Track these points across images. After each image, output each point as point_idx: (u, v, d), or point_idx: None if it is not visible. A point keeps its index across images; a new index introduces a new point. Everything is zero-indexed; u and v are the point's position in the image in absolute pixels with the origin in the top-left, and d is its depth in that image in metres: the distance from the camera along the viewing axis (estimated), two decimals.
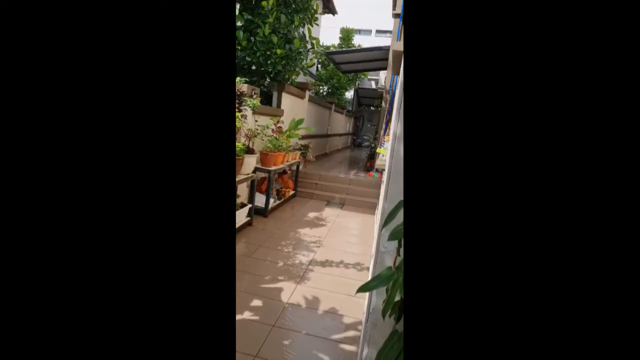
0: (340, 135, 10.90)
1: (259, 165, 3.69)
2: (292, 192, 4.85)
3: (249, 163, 3.27)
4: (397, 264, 1.06)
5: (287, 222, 3.81)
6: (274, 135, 3.87)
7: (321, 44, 5.26)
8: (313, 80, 9.69)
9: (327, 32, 12.24)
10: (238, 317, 1.91)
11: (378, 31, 20.13)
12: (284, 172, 4.73)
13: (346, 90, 11.58)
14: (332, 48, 10.67)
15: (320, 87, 10.87)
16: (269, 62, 4.16)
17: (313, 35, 4.70)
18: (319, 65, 10.62)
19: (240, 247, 2.96)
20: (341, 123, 10.76)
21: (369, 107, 15.09)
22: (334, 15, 9.72)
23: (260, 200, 3.84)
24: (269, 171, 3.72)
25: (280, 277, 2.44)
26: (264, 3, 3.90)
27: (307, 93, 5.95)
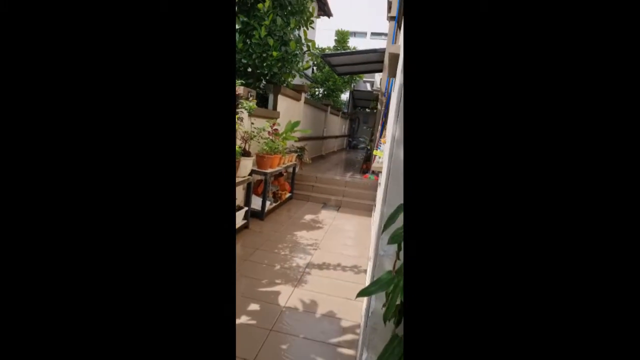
0: (336, 137, 10.91)
1: (255, 168, 3.67)
2: (288, 195, 4.83)
3: (245, 166, 3.26)
4: (397, 267, 1.05)
5: (283, 224, 3.79)
6: (270, 137, 3.86)
7: (317, 46, 5.25)
8: (309, 83, 9.70)
9: (322, 34, 12.27)
10: (236, 321, 1.90)
11: (373, 33, 20.24)
12: (281, 174, 4.71)
13: (342, 92, 11.62)
14: (327, 50, 10.71)
15: (316, 89, 10.89)
16: (264, 64, 4.15)
17: (308, 37, 4.71)
18: (315, 68, 10.65)
19: (237, 250, 2.94)
20: (337, 125, 10.78)
21: (364, 109, 15.14)
22: (329, 17, 9.76)
23: (256, 203, 3.83)
24: (265, 174, 3.71)
25: (277, 281, 2.43)
26: (259, 5, 3.90)
27: (303, 95, 5.95)
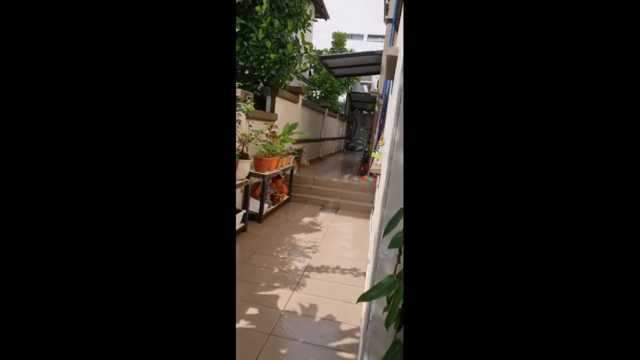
0: (334, 139, 10.92)
1: (253, 171, 3.66)
2: (286, 197, 4.82)
3: (243, 168, 3.24)
4: (397, 272, 1.05)
5: (281, 227, 3.78)
6: (268, 140, 3.85)
7: (314, 48, 5.27)
8: (306, 85, 9.71)
9: (319, 36, 12.31)
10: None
11: (370, 36, 20.32)
12: (278, 177, 4.70)
13: (339, 94, 11.64)
14: (324, 52, 10.73)
15: (313, 91, 10.90)
16: (262, 66, 4.15)
17: (305, 40, 4.71)
18: (312, 70, 10.66)
19: (235, 253, 2.92)
20: (334, 127, 10.79)
21: (361, 111, 15.17)
22: (326, 20, 9.78)
23: (254, 205, 3.81)
24: (263, 176, 3.70)
25: (276, 284, 2.41)
26: (257, 8, 3.89)
27: (301, 97, 5.95)
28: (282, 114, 4.94)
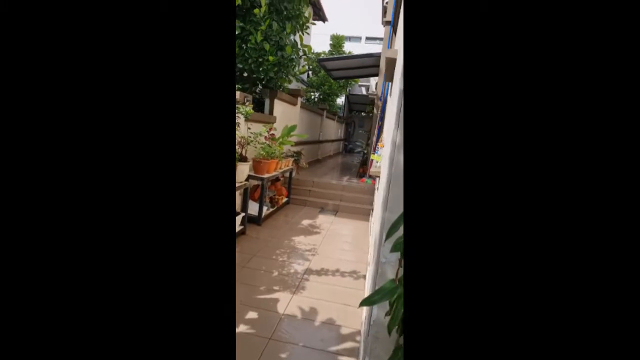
0: (332, 141, 10.93)
1: (252, 173, 3.65)
2: (285, 200, 4.81)
3: (242, 171, 3.23)
4: (399, 276, 1.04)
5: (281, 230, 3.77)
6: (267, 142, 3.84)
7: (312, 50, 5.27)
8: (305, 87, 9.72)
9: (317, 39, 12.32)
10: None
11: (368, 38, 20.39)
12: (277, 179, 4.69)
13: (337, 96, 11.65)
14: (322, 55, 10.75)
15: (312, 93, 10.91)
16: (261, 69, 4.14)
17: (304, 42, 4.71)
18: (310, 72, 10.67)
19: (235, 256, 2.90)
20: (333, 129, 10.80)
21: (360, 113, 15.19)
22: (324, 22, 9.81)
23: (253, 208, 3.80)
24: (262, 179, 3.69)
25: (275, 287, 2.39)
26: (255, 11, 3.89)
27: (299, 99, 5.95)
28: (280, 116, 4.93)
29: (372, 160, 4.11)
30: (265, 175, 3.72)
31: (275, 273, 2.64)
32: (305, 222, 4.19)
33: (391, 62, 2.39)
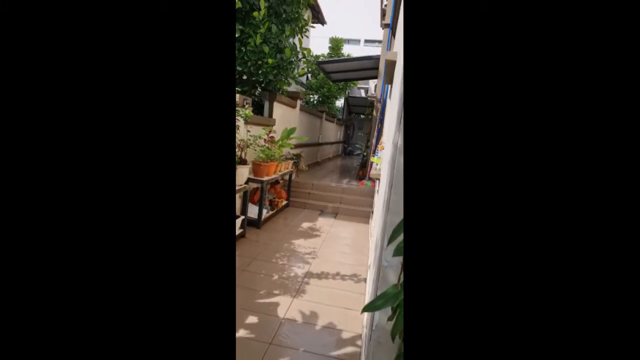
0: (332, 143, 10.93)
1: (252, 176, 3.64)
2: (285, 202, 4.79)
3: (242, 174, 3.22)
4: (402, 280, 1.02)
5: (280, 233, 3.75)
6: (267, 145, 3.83)
7: (311, 53, 5.27)
8: (304, 90, 9.73)
9: (316, 42, 12.35)
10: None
11: (367, 41, 20.46)
12: (277, 182, 4.68)
13: (336, 98, 11.67)
14: (321, 57, 10.78)
15: (311, 95, 10.92)
16: (260, 71, 4.14)
17: (303, 45, 4.71)
18: (309, 75, 10.69)
19: (235, 260, 2.88)
20: (332, 131, 10.80)
21: (359, 115, 15.21)
22: (323, 25, 9.84)
23: (253, 211, 3.78)
24: (261, 182, 3.67)
25: (275, 291, 2.38)
26: (255, 14, 3.90)
27: (299, 102, 5.95)
28: (280, 119, 4.93)
29: (372, 162, 4.10)
30: (265, 178, 3.70)
31: (276, 276, 2.62)
32: (305, 224, 4.17)
33: (391, 64, 2.39)
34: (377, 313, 1.16)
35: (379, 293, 1.10)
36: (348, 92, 12.32)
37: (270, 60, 4.01)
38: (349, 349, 1.82)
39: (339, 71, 7.48)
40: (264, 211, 3.94)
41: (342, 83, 10.83)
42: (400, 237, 0.87)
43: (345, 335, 1.95)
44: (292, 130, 4.33)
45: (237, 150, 3.35)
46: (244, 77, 4.30)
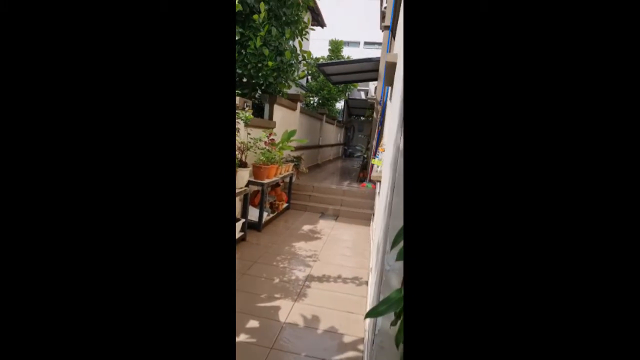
0: (332, 145, 10.93)
1: (252, 179, 3.63)
2: (285, 205, 4.78)
3: (242, 177, 3.21)
4: None
5: (281, 236, 3.73)
6: (267, 147, 3.82)
7: (311, 56, 5.27)
8: (304, 92, 9.75)
9: (316, 44, 12.38)
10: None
11: (366, 43, 20.51)
12: (277, 184, 4.67)
13: (336, 101, 11.68)
14: (321, 60, 10.79)
15: (311, 98, 10.94)
16: (260, 74, 4.14)
17: (303, 47, 4.72)
18: (309, 77, 10.71)
19: (235, 263, 2.86)
20: (332, 134, 10.80)
21: (359, 117, 15.22)
22: (322, 27, 9.86)
23: (253, 214, 3.77)
24: (262, 184, 3.66)
25: (276, 295, 2.36)
26: (255, 16, 3.90)
27: (299, 104, 5.94)
28: (280, 121, 4.92)
29: (372, 164, 4.09)
30: (265, 181, 3.69)
31: (276, 280, 2.60)
32: (306, 227, 4.16)
33: (391, 66, 2.38)
34: (379, 318, 1.15)
35: (381, 297, 1.09)
36: (348, 94, 12.33)
37: (270, 63, 4.01)
38: (351, 354, 1.81)
39: (339, 73, 7.49)
40: (265, 214, 3.93)
41: (342, 85, 10.84)
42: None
43: (347, 339, 1.93)
44: (293, 133, 4.32)
45: (237, 153, 3.34)
46: (244, 80, 4.30)
